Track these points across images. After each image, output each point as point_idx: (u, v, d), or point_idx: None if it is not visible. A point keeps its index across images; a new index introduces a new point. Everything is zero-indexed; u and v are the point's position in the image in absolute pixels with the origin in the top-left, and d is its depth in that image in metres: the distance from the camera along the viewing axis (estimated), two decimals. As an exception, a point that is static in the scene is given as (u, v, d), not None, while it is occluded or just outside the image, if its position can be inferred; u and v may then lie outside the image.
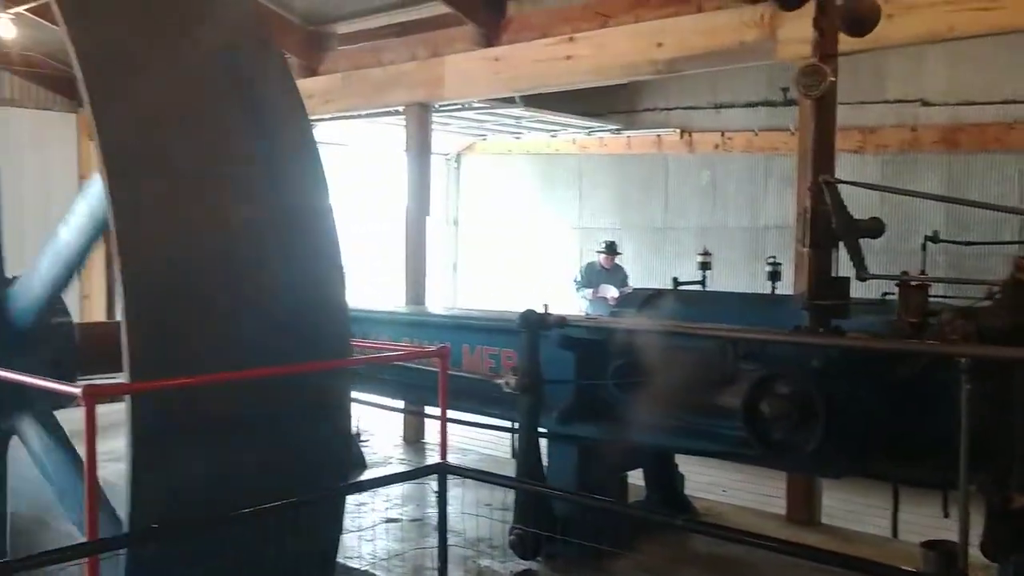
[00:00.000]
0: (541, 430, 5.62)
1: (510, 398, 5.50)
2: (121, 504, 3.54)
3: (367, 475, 7.47)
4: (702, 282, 9.61)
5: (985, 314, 3.98)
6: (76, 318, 5.24)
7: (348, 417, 4.52)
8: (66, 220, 4.20)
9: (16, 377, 3.93)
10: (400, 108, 9.81)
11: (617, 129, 13.53)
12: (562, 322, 5.47)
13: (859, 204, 4.61)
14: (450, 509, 4.54)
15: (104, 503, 4.16)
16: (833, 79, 4.41)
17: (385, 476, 5.15)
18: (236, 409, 3.76)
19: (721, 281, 10.44)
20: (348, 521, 4.83)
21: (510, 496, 5.51)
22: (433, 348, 4.98)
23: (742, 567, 5.34)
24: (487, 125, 13.73)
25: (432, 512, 5.51)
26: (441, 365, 4.73)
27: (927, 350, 4.03)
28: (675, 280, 9.10)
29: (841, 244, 4.37)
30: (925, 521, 6.27)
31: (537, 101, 11.34)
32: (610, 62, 7.90)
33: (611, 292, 11.36)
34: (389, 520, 6.40)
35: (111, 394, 3.54)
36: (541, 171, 15.19)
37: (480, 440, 9.10)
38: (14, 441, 4.71)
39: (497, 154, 15.75)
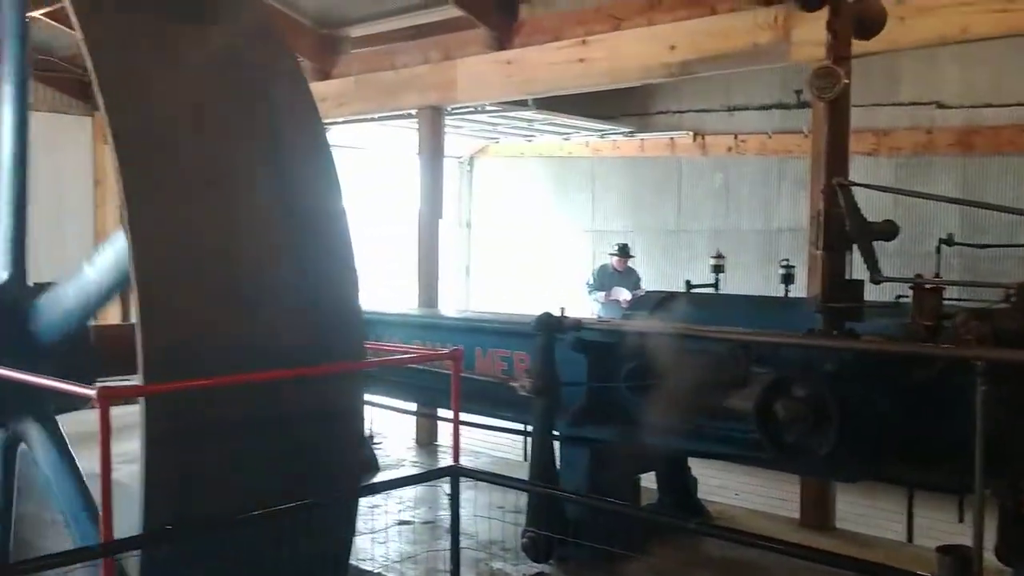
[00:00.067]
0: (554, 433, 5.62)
1: (523, 401, 5.50)
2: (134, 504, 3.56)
3: (380, 477, 7.48)
4: (715, 285, 9.59)
5: (1001, 316, 3.96)
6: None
7: (361, 419, 4.53)
8: (92, 260, 4.23)
9: (31, 379, 3.95)
10: (413, 111, 9.84)
11: (630, 132, 13.51)
12: (578, 325, 5.46)
13: (873, 207, 4.59)
14: (462, 512, 4.54)
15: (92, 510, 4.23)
16: (847, 81, 4.40)
17: (398, 478, 5.15)
18: (250, 411, 3.77)
19: (734, 284, 10.41)
20: (361, 523, 4.84)
21: (522, 499, 5.51)
22: (446, 351, 4.98)
23: (755, 571, 5.32)
24: (500, 128, 13.74)
25: (444, 514, 5.53)
26: (454, 368, 4.73)
27: (941, 353, 4.00)
28: (688, 283, 9.08)
29: (855, 247, 4.35)
30: (940, 525, 6.23)
31: (550, 104, 11.33)
32: (623, 65, 7.89)
33: (624, 295, 11.34)
34: (402, 522, 6.41)
35: (126, 396, 3.56)
36: (554, 174, 15.19)
37: (493, 443, 9.10)
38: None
39: (510, 157, 15.76)
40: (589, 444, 5.63)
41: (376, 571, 5.57)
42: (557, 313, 5.49)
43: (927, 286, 4.28)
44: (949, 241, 7.96)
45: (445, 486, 4.51)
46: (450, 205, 14.80)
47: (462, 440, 4.91)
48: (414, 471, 7.97)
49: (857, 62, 4.69)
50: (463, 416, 5.05)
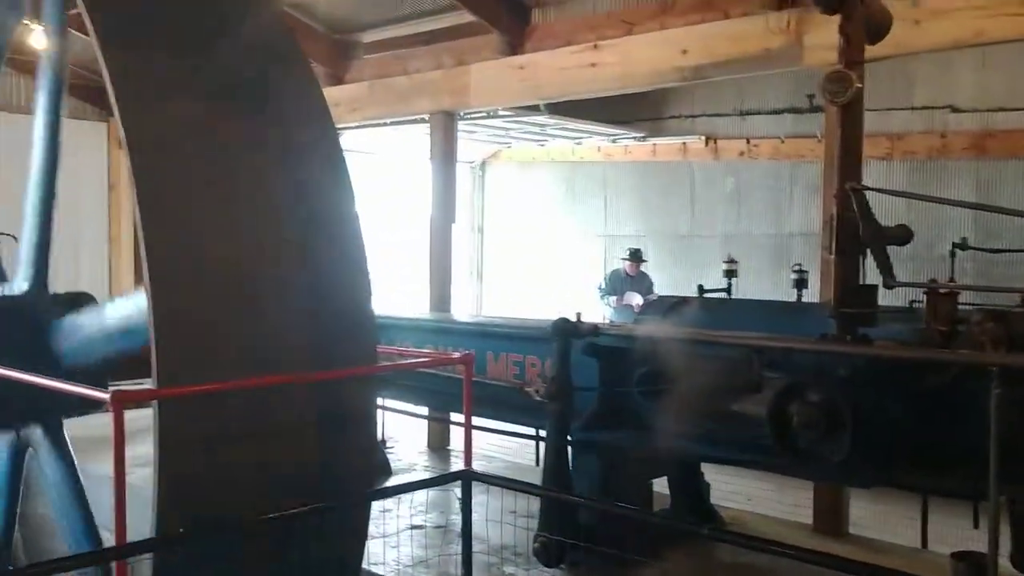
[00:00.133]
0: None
1: (535, 405, 5.49)
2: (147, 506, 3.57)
3: (392, 481, 7.49)
4: (727, 290, 9.56)
5: (1016, 320, 3.93)
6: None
7: (374, 423, 4.53)
8: (115, 302, 4.31)
9: (44, 382, 3.98)
10: (426, 116, 9.86)
11: (642, 136, 13.51)
12: (595, 331, 5.45)
13: (886, 211, 4.58)
14: (474, 516, 4.54)
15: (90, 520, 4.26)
16: (860, 85, 4.39)
17: (410, 483, 5.16)
18: (263, 416, 3.78)
19: (747, 289, 10.37)
20: (373, 527, 4.84)
21: (534, 503, 5.50)
22: (457, 355, 4.99)
23: (768, 577, 5.30)
24: (512, 133, 13.76)
25: (456, 519, 5.53)
26: (466, 372, 4.74)
27: (956, 359, 3.98)
28: (700, 288, 9.06)
29: (868, 251, 4.34)
30: (955, 531, 6.20)
31: (562, 109, 11.35)
32: (635, 69, 7.89)
33: (636, 300, 11.33)
34: (414, 527, 6.40)
35: (139, 399, 3.58)
36: (565, 179, 15.19)
37: (505, 447, 9.10)
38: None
39: (522, 162, 15.77)
40: (601, 449, 5.62)
41: (388, 575, 5.57)
42: (573, 318, 5.49)
43: (941, 291, 4.25)
44: (963, 245, 7.91)
45: (457, 490, 4.51)
46: (462, 210, 14.81)
47: (474, 444, 4.91)
48: (426, 475, 7.97)
49: (871, 66, 4.67)
50: (475, 420, 5.05)
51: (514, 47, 8.82)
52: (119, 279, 12.19)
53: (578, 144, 14.42)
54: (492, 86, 9.02)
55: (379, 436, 7.79)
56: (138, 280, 11.51)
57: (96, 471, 4.51)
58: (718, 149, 12.92)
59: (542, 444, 6.34)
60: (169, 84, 3.88)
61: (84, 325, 4.41)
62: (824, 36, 5.87)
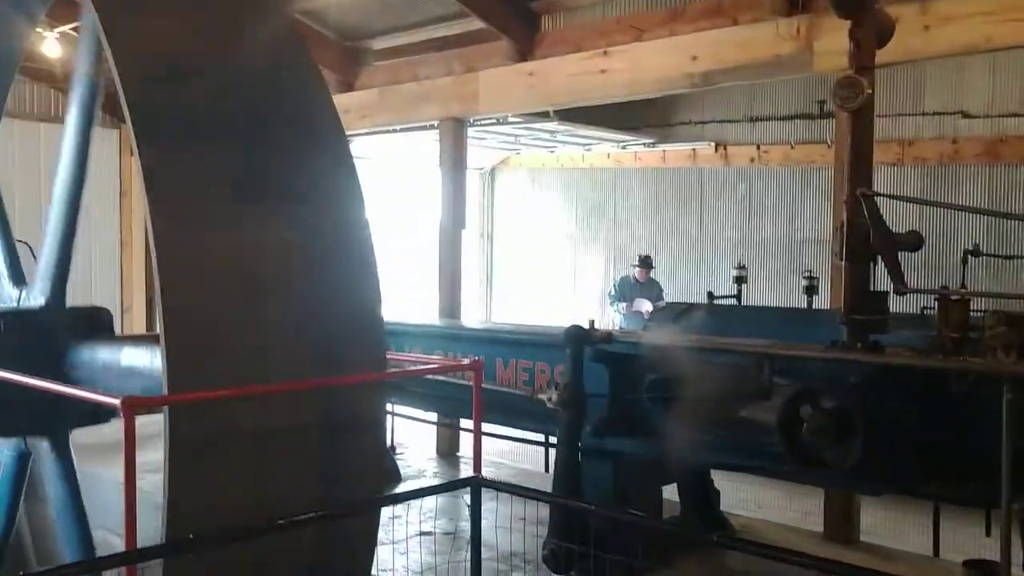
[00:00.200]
0: (575, 444, 5.60)
1: (545, 412, 5.48)
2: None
3: (401, 488, 7.49)
4: (737, 296, 9.56)
5: (1028, 327, 3.90)
6: (117, 331, 5.31)
7: (383, 430, 4.53)
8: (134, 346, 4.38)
9: (56, 388, 3.99)
10: (435, 123, 9.88)
11: (652, 143, 13.50)
12: (608, 338, 5.44)
13: (897, 217, 4.56)
14: (484, 523, 4.53)
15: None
16: (870, 91, 4.37)
17: (419, 489, 5.14)
18: (272, 421, 3.79)
19: (757, 295, 10.38)
20: (382, 533, 4.84)
21: (544, 510, 5.49)
22: (467, 361, 4.99)
23: (778, 585, 5.27)
24: (521, 139, 13.76)
25: (465, 525, 5.50)
26: (475, 378, 4.73)
27: (967, 368, 3.95)
28: (710, 294, 9.07)
29: (879, 258, 4.32)
30: (967, 539, 6.16)
31: (571, 115, 11.35)
32: (645, 76, 7.89)
33: (646, 306, 11.31)
34: (423, 533, 6.40)
35: (150, 405, 3.59)
36: (575, 185, 15.19)
37: (514, 454, 9.09)
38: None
39: (531, 168, 15.79)
40: (611, 456, 5.60)
41: (397, 582, 5.57)
42: (586, 325, 5.48)
43: (953, 297, 4.23)
44: (975, 252, 7.89)
45: (466, 497, 4.50)
46: (472, 216, 14.81)
47: (483, 451, 4.91)
48: (435, 482, 7.98)
49: (881, 72, 4.66)
50: (484, 427, 5.05)
51: (524, 54, 8.83)
52: (131, 287, 12.25)
53: (588, 150, 14.42)
54: (502, 93, 9.03)
55: (388, 442, 7.80)
56: (149, 287, 11.59)
57: (107, 476, 4.53)
58: (728, 155, 12.90)
59: (551, 450, 6.33)
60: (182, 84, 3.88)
61: (99, 360, 4.45)
62: (834, 42, 5.85)
